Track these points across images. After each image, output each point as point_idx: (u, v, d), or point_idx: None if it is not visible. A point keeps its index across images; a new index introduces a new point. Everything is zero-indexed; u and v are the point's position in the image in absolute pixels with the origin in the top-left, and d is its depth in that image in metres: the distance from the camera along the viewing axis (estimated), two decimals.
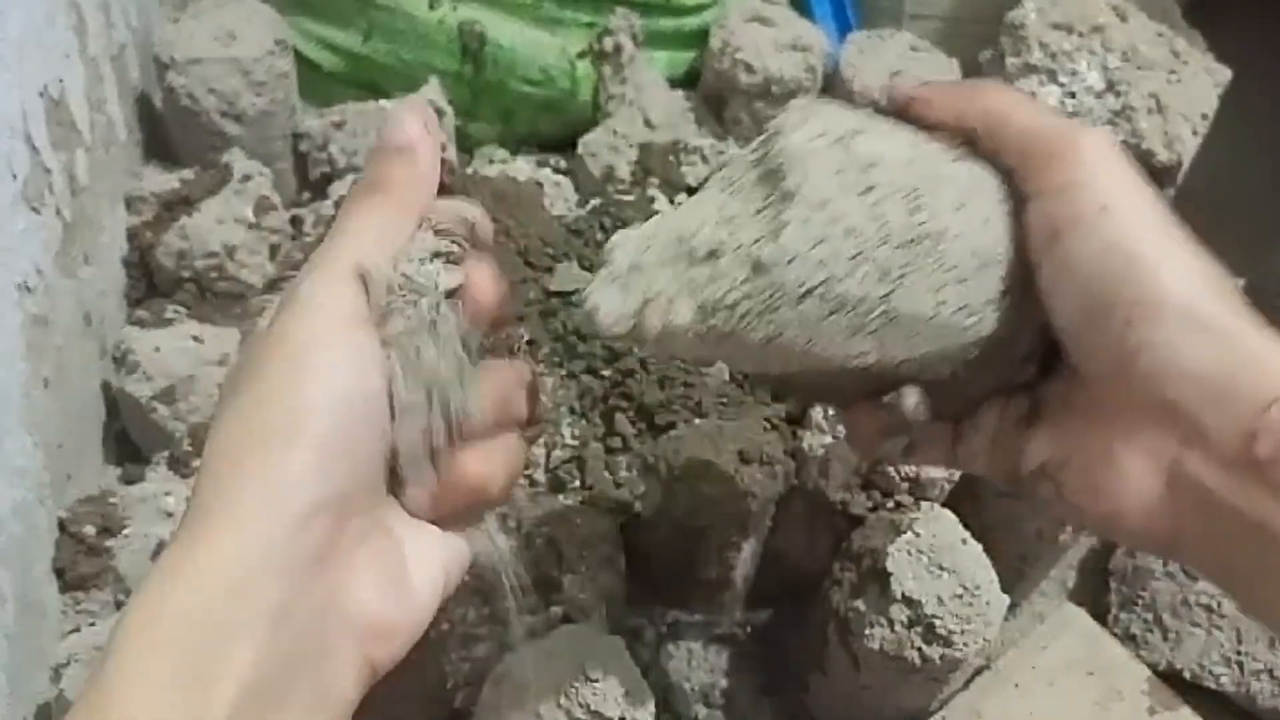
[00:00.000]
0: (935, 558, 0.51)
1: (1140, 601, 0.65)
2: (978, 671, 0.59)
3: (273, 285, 0.68)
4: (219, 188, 0.67)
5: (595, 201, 0.74)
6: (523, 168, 0.78)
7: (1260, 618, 0.30)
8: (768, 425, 0.59)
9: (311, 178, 0.75)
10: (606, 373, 0.63)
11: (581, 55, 0.81)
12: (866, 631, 0.51)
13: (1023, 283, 0.32)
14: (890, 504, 0.56)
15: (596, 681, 0.46)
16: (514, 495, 0.36)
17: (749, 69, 0.80)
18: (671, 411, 0.61)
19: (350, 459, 0.28)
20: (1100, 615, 0.65)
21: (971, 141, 0.33)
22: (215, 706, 0.24)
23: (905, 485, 0.56)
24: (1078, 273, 0.29)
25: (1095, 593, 0.68)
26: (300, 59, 0.77)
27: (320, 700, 0.27)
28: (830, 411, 0.58)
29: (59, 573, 0.56)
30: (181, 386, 0.60)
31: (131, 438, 0.64)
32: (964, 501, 0.58)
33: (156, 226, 0.66)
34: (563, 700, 0.45)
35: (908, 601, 0.50)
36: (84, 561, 0.57)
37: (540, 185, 0.74)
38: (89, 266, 0.61)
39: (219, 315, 0.65)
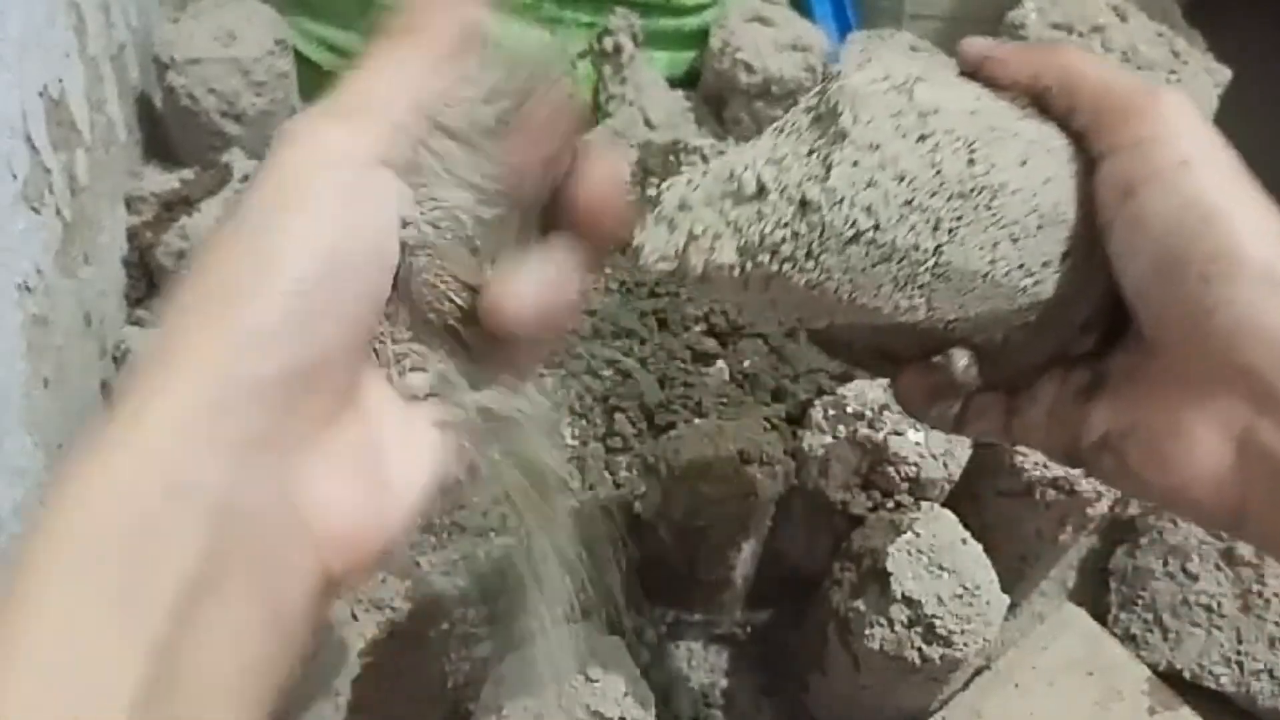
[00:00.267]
0: (935, 558, 0.51)
1: (1140, 601, 0.65)
2: (978, 671, 0.59)
3: None
4: (219, 188, 0.67)
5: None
6: None
7: None
8: (768, 425, 0.59)
9: None
10: (606, 373, 0.63)
11: (581, 55, 0.81)
12: (866, 631, 0.51)
13: (1085, 248, 0.31)
14: (890, 504, 0.56)
15: (596, 681, 0.46)
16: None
17: (749, 69, 0.80)
18: (671, 411, 0.61)
19: (333, 317, 0.24)
20: (1100, 615, 0.65)
21: (1043, 104, 0.32)
22: (144, 628, 0.21)
23: (905, 485, 0.56)
24: (1153, 228, 0.28)
25: (1095, 593, 0.68)
26: (300, 59, 0.77)
27: (271, 615, 0.23)
28: (833, 413, 0.58)
29: None
30: None
31: None
32: (964, 501, 0.58)
33: (157, 226, 0.66)
34: (563, 700, 0.45)
35: (908, 601, 0.50)
36: None
37: None
38: (89, 266, 0.61)
39: None
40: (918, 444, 0.55)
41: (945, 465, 0.55)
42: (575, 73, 0.80)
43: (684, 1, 0.84)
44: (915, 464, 0.55)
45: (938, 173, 0.29)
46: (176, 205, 0.67)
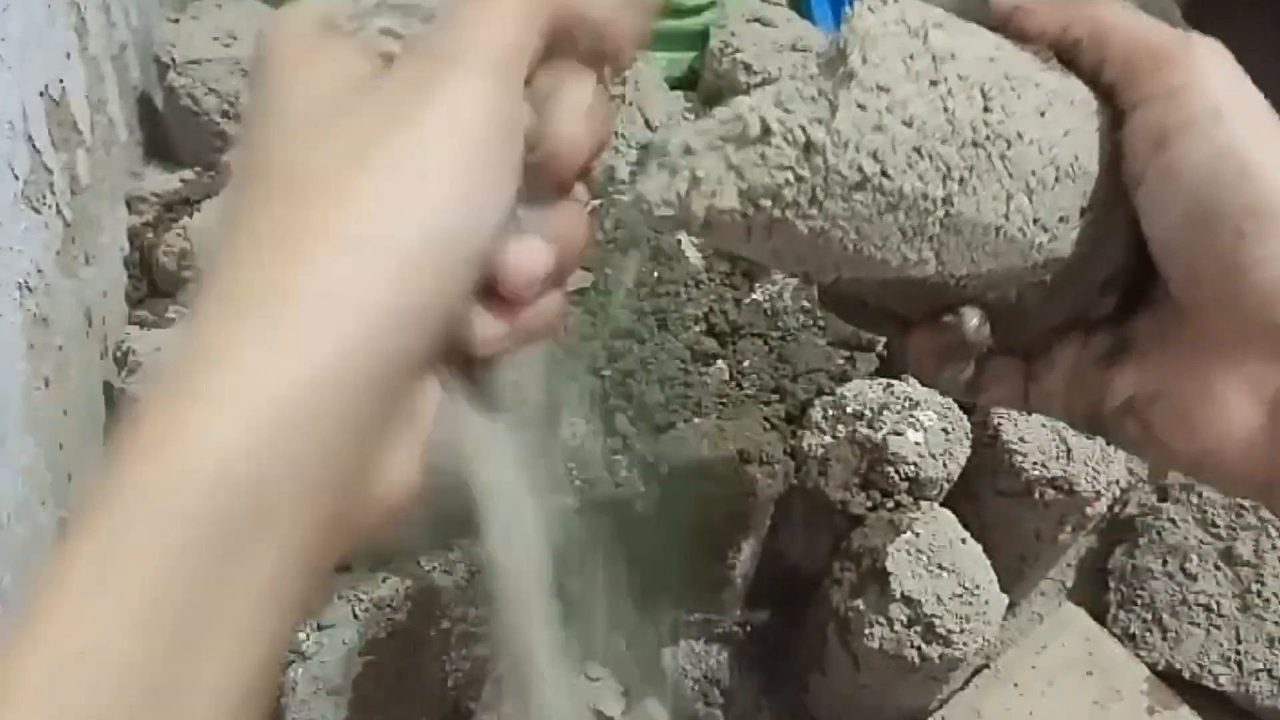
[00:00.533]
0: (934, 557, 0.51)
1: (1139, 601, 0.65)
2: (977, 671, 0.60)
3: None
4: (220, 188, 0.67)
5: (595, 202, 0.74)
6: None
7: None
8: (768, 425, 0.59)
9: None
10: (607, 373, 0.63)
11: None
12: (866, 631, 0.51)
13: (1107, 205, 0.30)
14: (890, 504, 0.56)
15: (597, 681, 0.46)
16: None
17: (749, 69, 0.80)
18: (671, 411, 0.61)
19: (464, 243, 0.23)
20: (1099, 615, 0.65)
21: (1073, 58, 0.31)
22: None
23: (904, 485, 0.56)
24: (1186, 180, 0.27)
25: (1095, 593, 0.68)
26: None
27: (315, 566, 0.23)
28: (833, 412, 0.58)
29: None
30: None
31: None
32: (964, 501, 0.58)
33: (157, 226, 0.66)
34: (563, 700, 0.45)
35: (907, 601, 0.50)
36: None
37: None
38: (90, 266, 0.61)
39: None
40: (917, 444, 0.55)
41: (944, 465, 0.55)
42: None
43: (683, 2, 0.84)
44: (914, 464, 0.55)
45: (950, 119, 0.28)
46: (177, 205, 0.67)
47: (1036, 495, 0.57)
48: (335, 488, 0.23)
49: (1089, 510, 0.58)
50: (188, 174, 0.69)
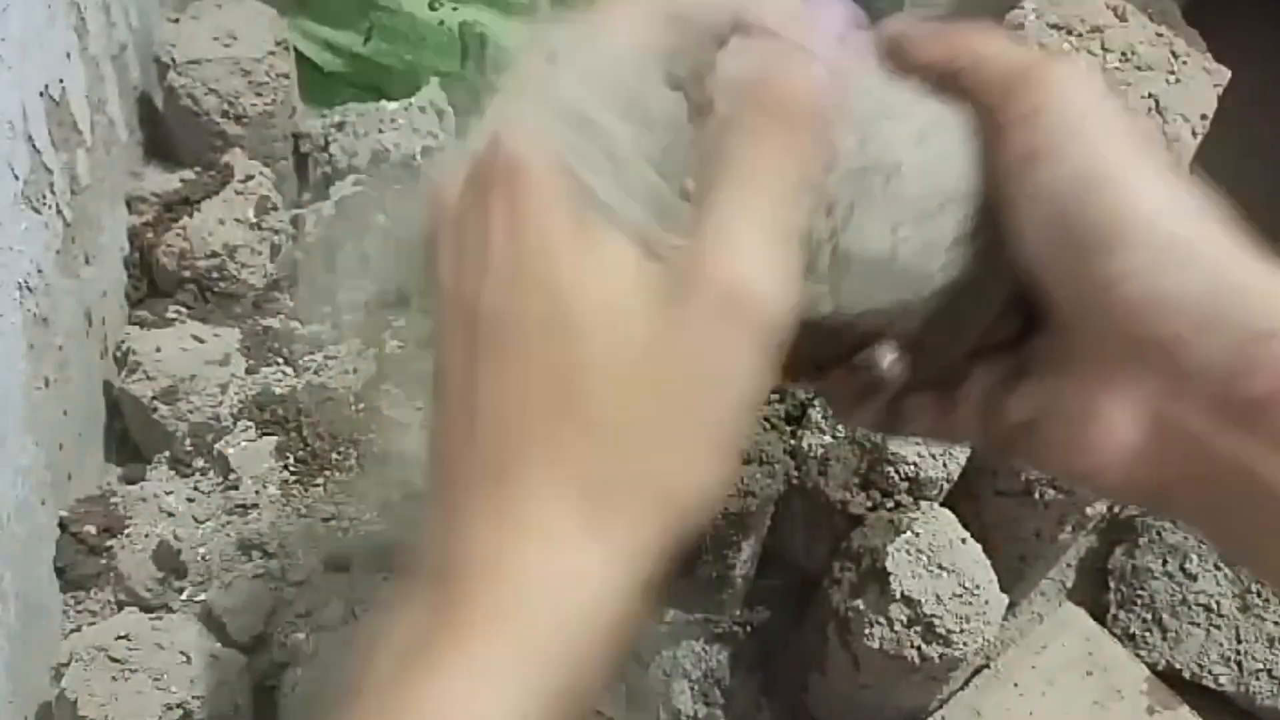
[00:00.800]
0: (934, 557, 0.51)
1: (1139, 601, 0.65)
2: (977, 671, 0.60)
3: (274, 285, 0.68)
4: (220, 188, 0.67)
5: None
6: None
7: (1255, 572, 0.28)
8: (767, 425, 0.59)
9: (312, 178, 0.75)
10: None
11: None
12: (866, 631, 0.51)
13: (995, 225, 0.30)
14: (889, 503, 0.56)
15: None
16: None
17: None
18: None
19: None
20: (1099, 615, 0.65)
21: (956, 85, 0.30)
22: None
23: (904, 485, 0.56)
24: (1050, 201, 0.27)
25: (1094, 592, 0.68)
26: (301, 60, 0.77)
27: None
28: (827, 410, 0.58)
29: (60, 572, 0.56)
30: (182, 386, 0.60)
31: (132, 438, 0.64)
32: (964, 501, 0.58)
33: (157, 227, 0.66)
34: None
35: (907, 601, 0.50)
36: (85, 561, 0.57)
37: None
38: (90, 266, 0.61)
39: (220, 315, 0.65)
40: (917, 444, 0.55)
41: (944, 465, 0.55)
42: None
43: None
44: (914, 463, 0.55)
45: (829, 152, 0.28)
46: (177, 205, 0.67)
47: (1036, 495, 0.57)
48: None
49: (1089, 510, 0.58)
50: (188, 174, 0.69)
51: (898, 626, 0.50)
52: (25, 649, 0.50)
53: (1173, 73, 0.75)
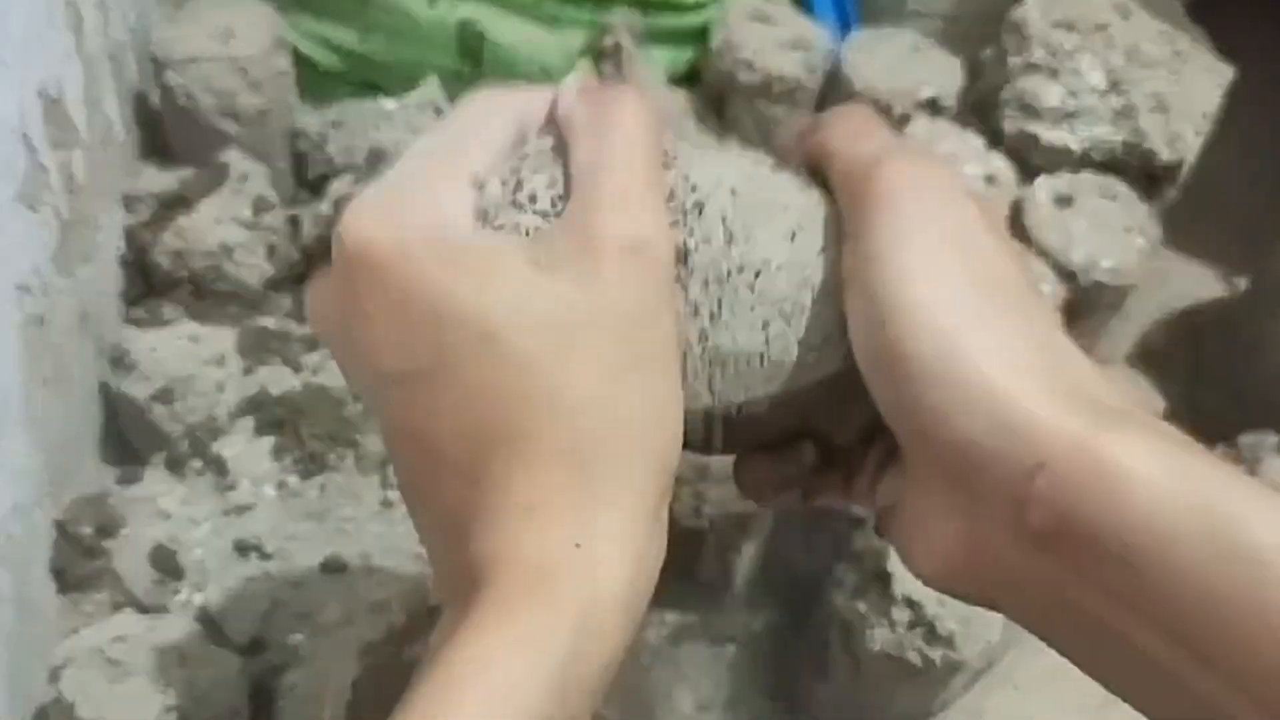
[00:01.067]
0: None
1: None
2: (978, 673, 0.59)
3: (271, 285, 0.68)
4: (217, 187, 0.67)
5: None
6: None
7: (1085, 673, 0.28)
8: None
9: (309, 177, 0.75)
10: None
11: (581, 53, 0.81)
12: (868, 633, 0.51)
13: None
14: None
15: None
16: None
17: (750, 67, 0.79)
18: None
19: None
20: None
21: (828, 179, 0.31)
22: None
23: None
24: (854, 330, 0.28)
25: None
26: (298, 57, 0.77)
27: None
28: None
29: (57, 573, 0.56)
30: (179, 387, 0.60)
31: (129, 438, 0.63)
32: None
33: (154, 226, 0.66)
34: None
35: (909, 603, 0.50)
36: (82, 562, 0.57)
37: None
38: (86, 266, 0.61)
39: (217, 315, 0.65)
40: None
41: None
42: (574, 71, 0.80)
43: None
44: None
45: (691, 255, 0.28)
46: (174, 204, 0.67)
47: None
48: None
49: None
50: (184, 173, 0.69)
51: (900, 628, 0.50)
52: (21, 651, 0.50)
53: (1176, 71, 0.75)
